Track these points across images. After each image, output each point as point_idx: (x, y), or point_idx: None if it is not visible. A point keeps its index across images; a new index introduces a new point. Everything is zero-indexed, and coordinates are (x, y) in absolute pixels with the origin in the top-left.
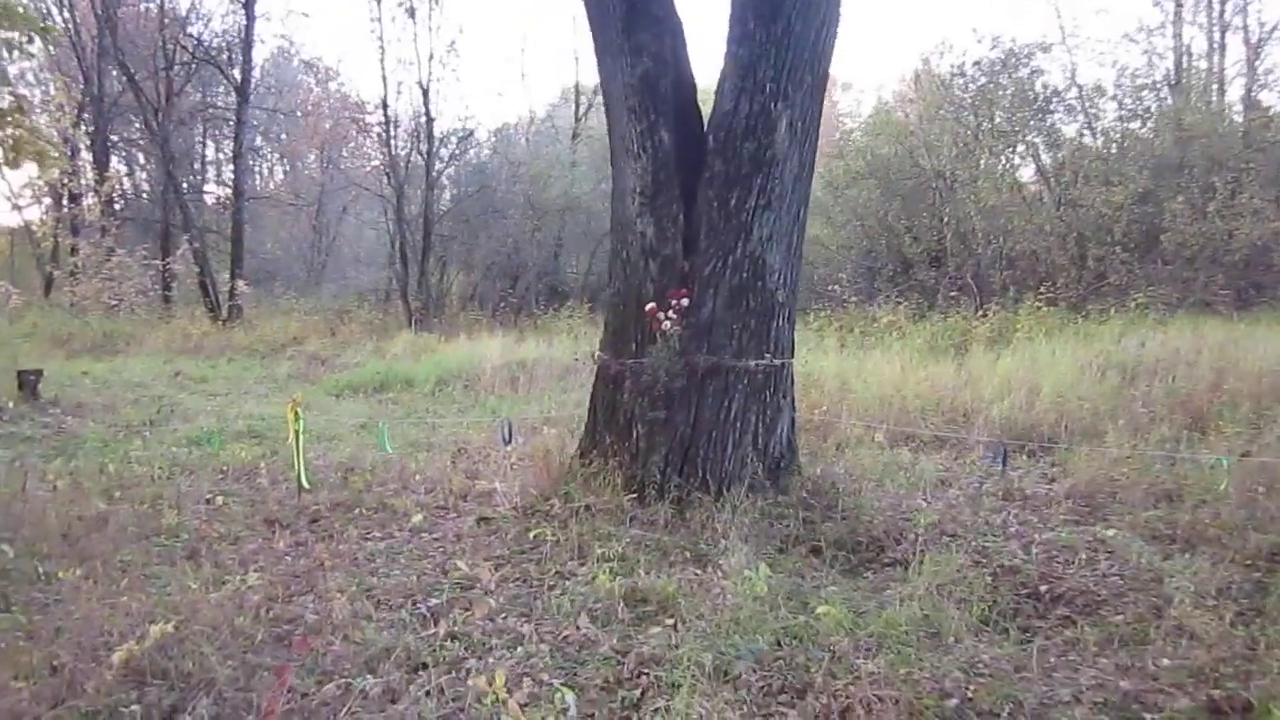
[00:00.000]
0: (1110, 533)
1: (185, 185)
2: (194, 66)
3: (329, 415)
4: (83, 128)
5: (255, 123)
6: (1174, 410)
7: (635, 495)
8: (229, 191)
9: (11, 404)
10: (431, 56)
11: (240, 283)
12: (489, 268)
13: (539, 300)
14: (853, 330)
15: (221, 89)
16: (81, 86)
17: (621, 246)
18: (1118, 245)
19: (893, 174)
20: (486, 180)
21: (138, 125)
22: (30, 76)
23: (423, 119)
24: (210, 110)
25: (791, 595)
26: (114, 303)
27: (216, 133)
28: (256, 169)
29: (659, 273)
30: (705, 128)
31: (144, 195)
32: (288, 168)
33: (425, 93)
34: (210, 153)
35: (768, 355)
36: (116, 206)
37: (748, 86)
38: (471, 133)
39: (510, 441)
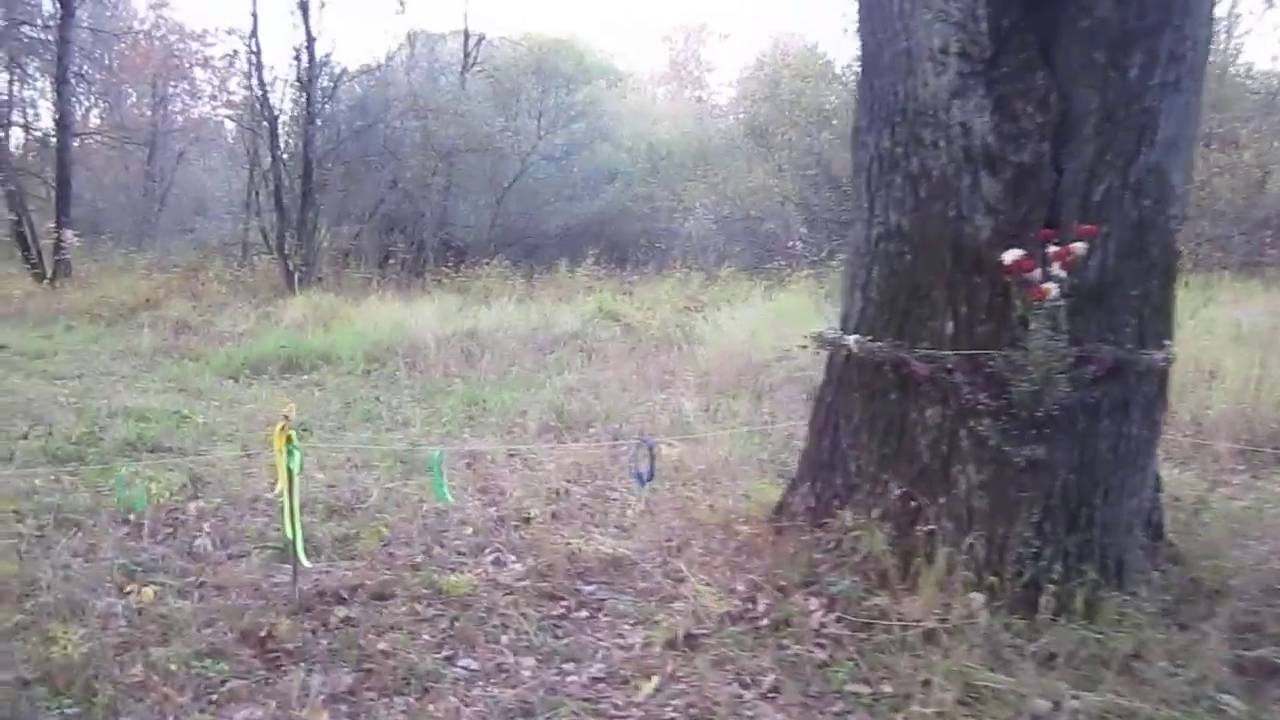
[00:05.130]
0: None
1: None
2: None
3: (241, 408)
4: None
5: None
6: None
7: (984, 593)
8: (40, 130)
9: None
10: None
11: (69, 233)
12: (371, 219)
13: (437, 256)
14: None
15: (29, 5)
16: None
17: (905, 153)
18: None
19: None
20: (366, 118)
21: None
22: None
23: (303, 45)
24: (20, 30)
25: None
26: None
27: (17, 63)
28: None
29: (1003, 196)
30: None
31: None
32: (108, 106)
33: (305, 9)
34: (14, 87)
35: (1167, 344)
36: None
37: None
38: (358, 69)
39: (651, 479)
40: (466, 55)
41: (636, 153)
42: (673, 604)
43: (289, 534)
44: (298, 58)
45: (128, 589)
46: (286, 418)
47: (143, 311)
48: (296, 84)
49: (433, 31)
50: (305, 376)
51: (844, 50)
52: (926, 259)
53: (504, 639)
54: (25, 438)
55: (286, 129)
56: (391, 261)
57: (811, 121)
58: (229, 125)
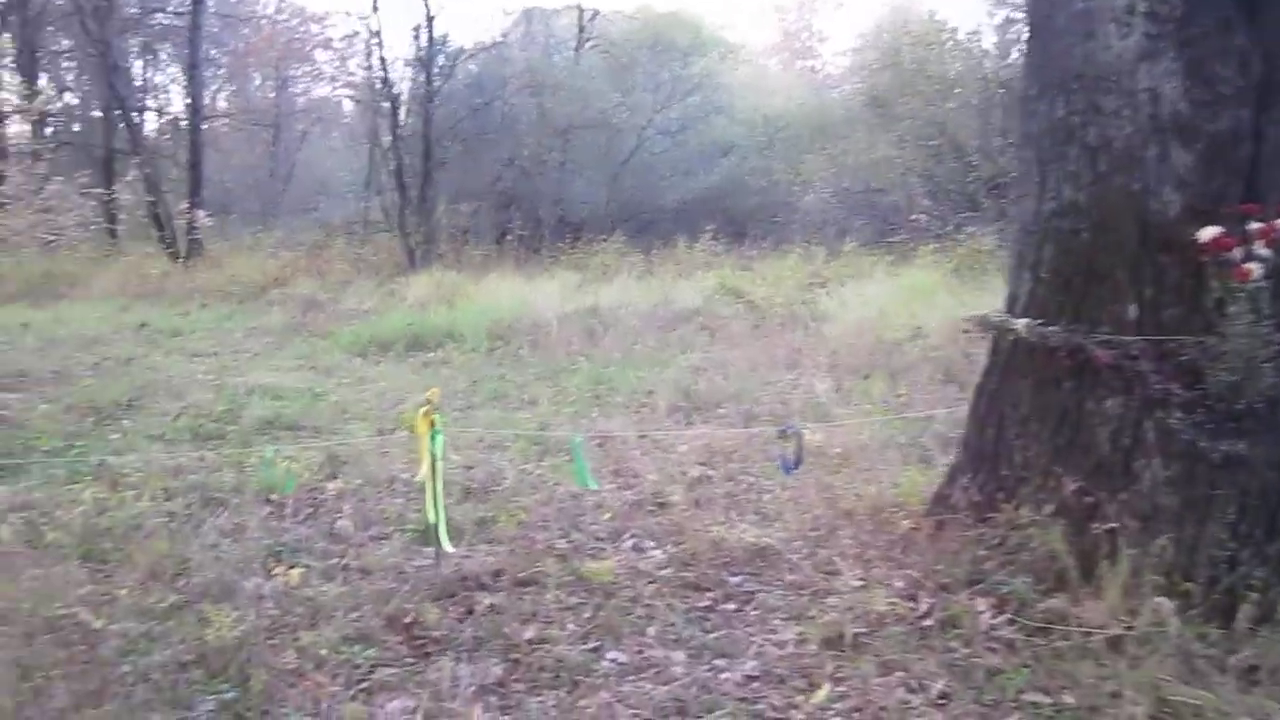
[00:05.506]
0: None
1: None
2: None
3: (370, 386)
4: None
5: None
6: None
7: (1174, 599)
8: (173, 114)
9: None
10: None
11: (201, 214)
12: (488, 196)
13: (553, 232)
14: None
15: None
16: None
17: (1082, 122)
18: None
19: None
20: (484, 96)
21: (64, 38)
22: None
23: (422, 24)
24: (154, 18)
25: None
26: (51, 238)
27: (151, 49)
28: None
29: (1195, 168)
30: None
31: (79, 116)
32: (235, 89)
33: None
34: (147, 72)
35: None
36: (49, 130)
37: None
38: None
39: (798, 466)
40: (581, 30)
41: (752, 125)
42: (826, 599)
43: (431, 518)
44: (416, 37)
45: (274, 570)
46: (430, 402)
47: (271, 289)
48: (415, 63)
49: (547, 8)
50: (431, 354)
51: (962, 18)
52: (1106, 237)
53: (651, 631)
54: (177, 418)
55: (405, 108)
56: (508, 238)
57: (936, 90)
58: (349, 105)
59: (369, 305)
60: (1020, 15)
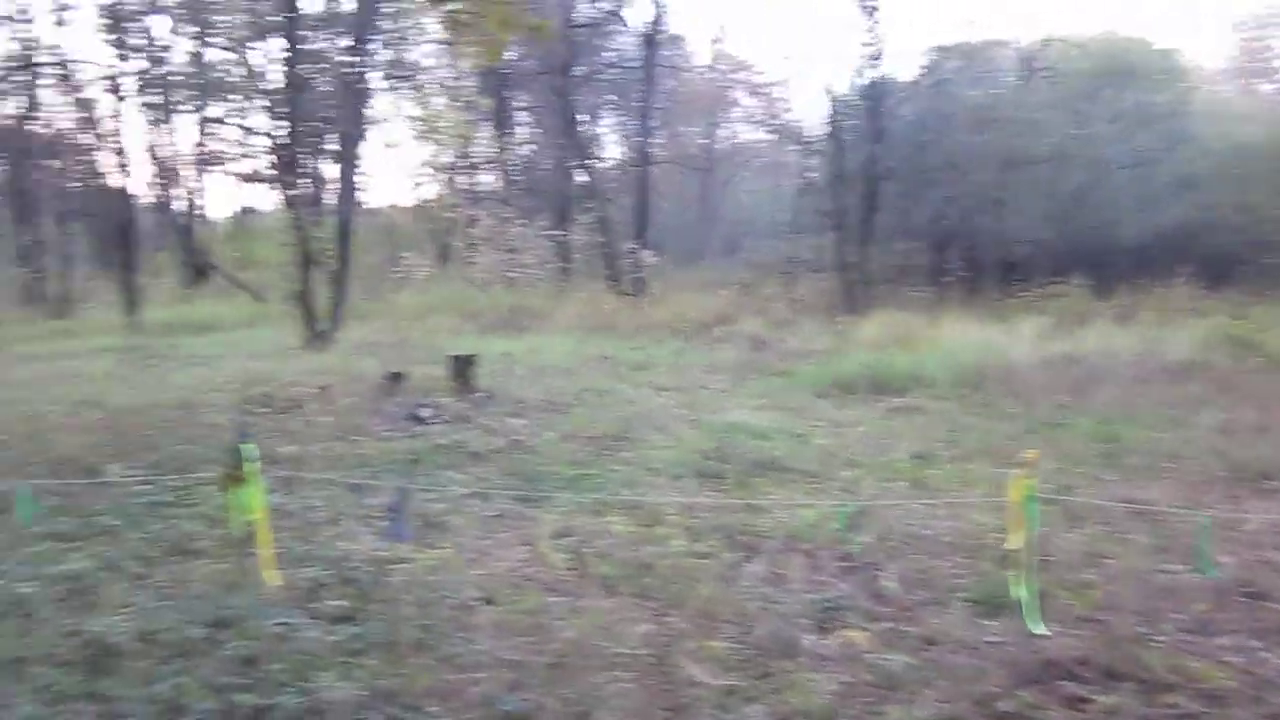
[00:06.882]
0: None
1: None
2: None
3: (848, 430)
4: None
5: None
6: None
7: None
8: (615, 160)
9: (446, 398)
10: None
11: (647, 253)
12: (926, 235)
13: (996, 272)
14: None
15: (611, 54)
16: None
17: None
18: None
19: None
20: (925, 133)
21: (523, 94)
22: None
23: (862, 61)
24: (609, 70)
25: None
26: (515, 275)
27: (601, 99)
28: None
29: None
30: None
31: (539, 164)
32: (667, 135)
33: (871, 10)
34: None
35: None
36: (515, 177)
37: None
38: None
39: None
40: (1027, 61)
41: (1219, 156)
42: None
43: (1020, 593)
44: (857, 76)
45: (829, 628)
46: (1027, 464)
47: (714, 326)
48: (856, 100)
49: (990, 38)
50: (898, 399)
51: None
52: None
53: None
54: (670, 452)
55: (836, 147)
56: (946, 279)
57: None
58: (775, 147)
59: (818, 345)
60: None
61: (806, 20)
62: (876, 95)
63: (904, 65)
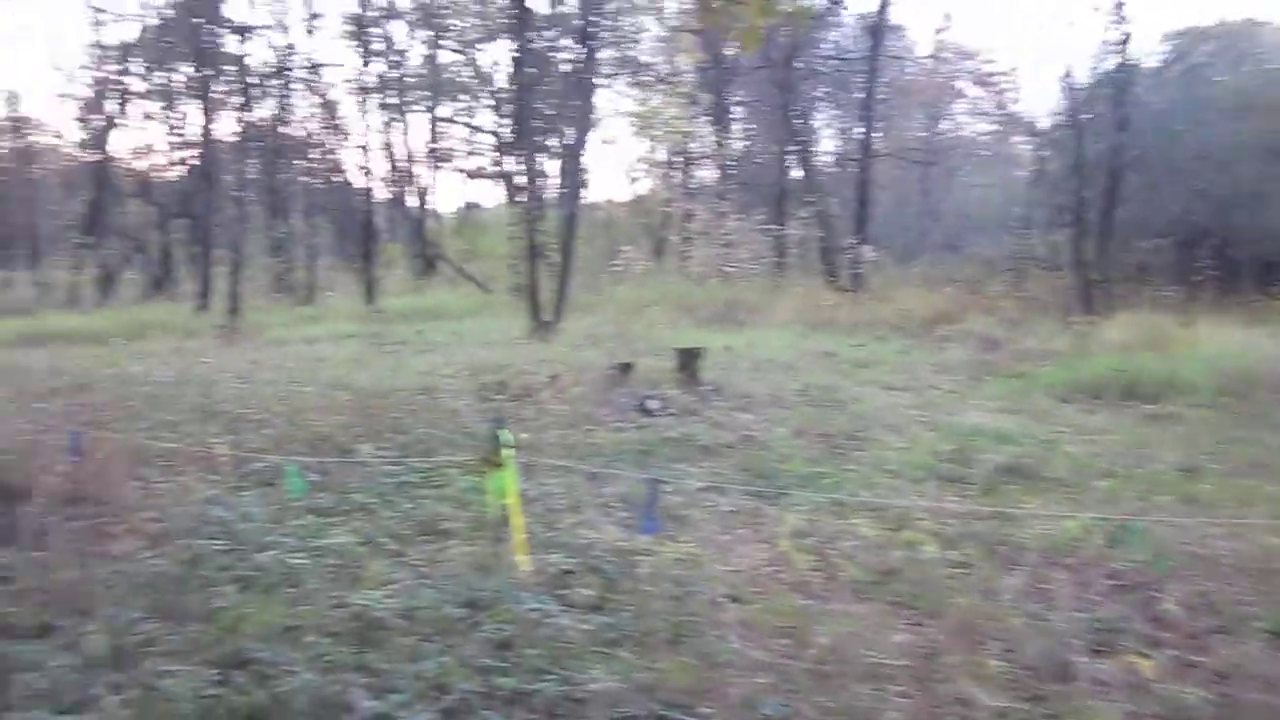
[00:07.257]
0: None
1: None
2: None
3: (1099, 438)
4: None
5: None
6: None
7: None
8: (832, 153)
9: (672, 390)
10: None
11: (867, 249)
12: (1174, 231)
13: (1255, 274)
14: None
15: (830, 46)
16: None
17: None
18: None
19: None
20: (1173, 121)
21: (740, 88)
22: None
23: (1109, 46)
24: (829, 62)
25: None
26: (731, 269)
27: (819, 92)
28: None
29: None
30: None
31: (757, 158)
32: (886, 128)
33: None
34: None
35: None
36: (732, 171)
37: None
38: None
39: None
40: None
41: None
42: None
43: None
44: (1096, 62)
45: (1104, 650)
46: None
47: (939, 325)
48: (1096, 88)
49: (1249, 18)
50: (1151, 406)
51: None
52: None
53: None
54: (908, 454)
55: (1075, 137)
56: (1198, 278)
57: None
58: (1000, 139)
59: (1055, 346)
60: None
61: (1039, 6)
62: (1121, 82)
63: (1144, 51)
